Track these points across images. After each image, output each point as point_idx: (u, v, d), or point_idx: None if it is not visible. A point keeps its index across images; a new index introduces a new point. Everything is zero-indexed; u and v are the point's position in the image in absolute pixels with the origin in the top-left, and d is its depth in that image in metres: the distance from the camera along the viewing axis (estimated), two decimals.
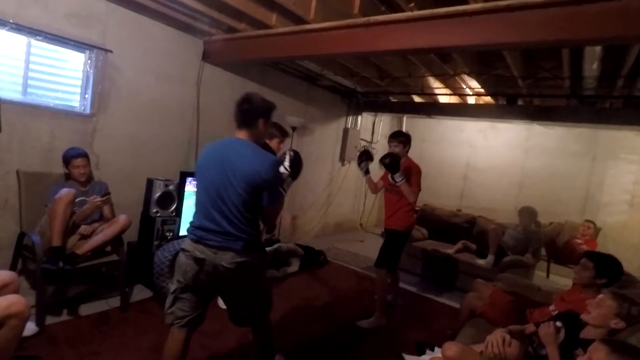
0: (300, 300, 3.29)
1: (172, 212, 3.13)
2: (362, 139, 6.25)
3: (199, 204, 1.70)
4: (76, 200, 2.46)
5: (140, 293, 2.95)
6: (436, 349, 2.37)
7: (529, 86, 4.12)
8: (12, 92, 2.56)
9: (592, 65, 3.08)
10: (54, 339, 2.21)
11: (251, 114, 1.69)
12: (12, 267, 2.51)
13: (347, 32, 2.64)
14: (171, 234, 3.09)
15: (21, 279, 2.42)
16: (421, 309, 3.49)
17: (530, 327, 2.01)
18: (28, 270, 2.62)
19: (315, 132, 5.28)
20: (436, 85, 4.73)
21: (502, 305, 2.40)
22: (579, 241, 4.48)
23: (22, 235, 2.52)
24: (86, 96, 2.90)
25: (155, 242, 2.99)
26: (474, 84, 4.41)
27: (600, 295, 1.76)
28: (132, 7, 2.96)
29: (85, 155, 2.65)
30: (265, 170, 1.59)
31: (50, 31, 2.59)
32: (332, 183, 5.85)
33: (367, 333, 2.87)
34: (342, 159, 5.91)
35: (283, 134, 2.80)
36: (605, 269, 2.10)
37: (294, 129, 4.34)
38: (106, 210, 2.72)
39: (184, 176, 3.21)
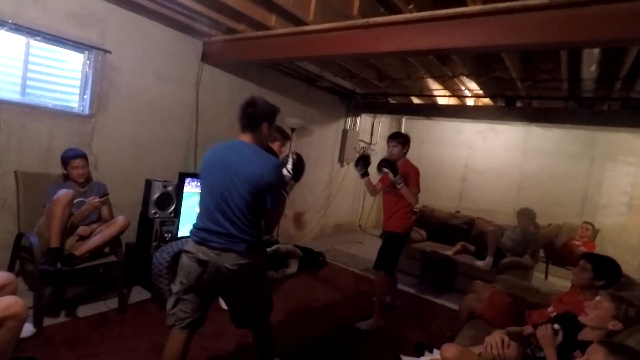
0: (299, 301, 3.29)
1: (170, 213, 3.13)
2: (361, 140, 6.25)
3: (203, 206, 1.72)
4: (74, 201, 2.45)
5: (138, 294, 2.94)
6: (435, 350, 2.36)
7: (527, 88, 4.13)
8: (11, 93, 2.56)
9: (590, 68, 3.09)
10: (52, 340, 2.20)
11: (255, 117, 1.71)
12: (10, 268, 2.50)
13: (346, 34, 2.64)
14: (170, 235, 3.08)
15: (19, 280, 2.42)
16: (420, 311, 3.49)
17: (528, 329, 2.02)
18: (26, 271, 2.61)
19: (315, 133, 5.28)
20: (435, 87, 4.74)
21: (501, 307, 2.40)
22: (577, 243, 4.49)
23: (20, 236, 2.51)
24: (85, 97, 2.90)
25: (154, 243, 2.99)
26: (473, 85, 4.42)
27: (598, 297, 1.76)
28: (131, 7, 2.96)
29: (83, 156, 2.65)
30: (268, 173, 1.61)
31: (49, 31, 2.58)
32: (331, 184, 5.85)
33: (366, 334, 2.87)
34: (341, 160, 5.91)
35: (284, 137, 2.81)
36: (604, 271, 2.10)
37: (293, 130, 4.34)
38: (104, 211, 2.71)
39: (182, 177, 3.20)
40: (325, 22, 2.77)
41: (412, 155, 3.16)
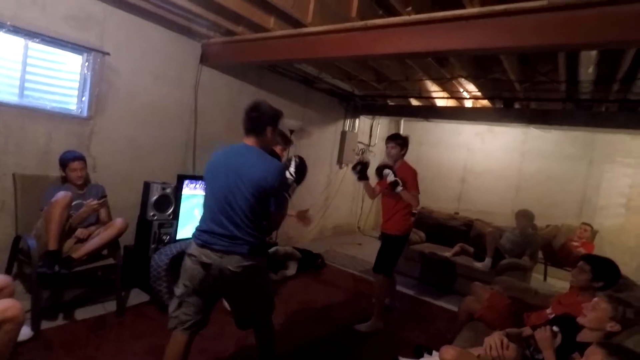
0: (298, 303, 3.28)
1: (169, 215, 3.12)
2: (359, 142, 6.26)
3: (207, 208, 1.74)
4: (73, 203, 2.45)
5: (136, 297, 2.93)
6: (434, 352, 2.36)
7: (525, 90, 4.15)
8: (9, 95, 2.56)
9: (587, 70, 3.10)
10: (50, 343, 2.19)
11: (259, 121, 1.73)
12: (7, 271, 2.48)
13: (344, 36, 2.65)
14: (168, 237, 3.08)
15: (16, 283, 2.41)
16: (419, 312, 3.49)
17: (527, 330, 2.02)
18: (24, 274, 2.60)
19: (313, 135, 5.28)
20: (433, 89, 4.75)
21: (500, 309, 2.40)
22: (576, 244, 4.50)
23: (17, 239, 2.50)
24: (83, 99, 2.90)
25: (152, 246, 2.98)
26: (471, 87, 4.43)
27: (595, 299, 1.76)
28: (130, 9, 2.96)
29: (82, 158, 2.64)
30: (272, 176, 1.64)
31: (47, 33, 2.58)
32: (330, 186, 5.85)
33: (365, 336, 2.87)
34: (340, 161, 5.92)
35: (286, 142, 2.82)
36: (602, 272, 2.11)
37: (292, 132, 4.34)
38: (103, 213, 2.71)
39: (181, 179, 3.19)
40: (324, 24, 2.77)
41: (410, 156, 3.16)
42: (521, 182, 5.77)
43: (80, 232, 2.55)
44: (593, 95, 3.92)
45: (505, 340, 1.73)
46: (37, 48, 2.64)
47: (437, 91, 4.76)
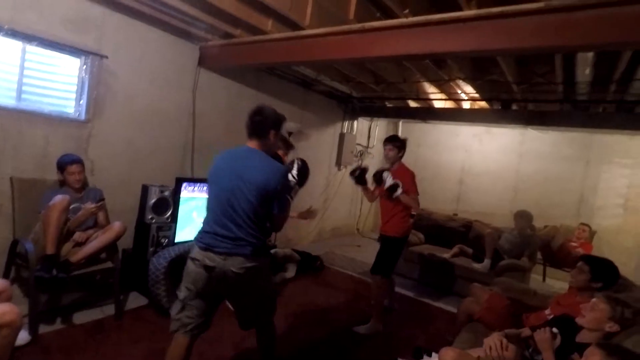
0: (297, 305, 3.28)
1: (167, 218, 3.12)
2: (358, 144, 6.26)
3: (210, 210, 1.76)
4: (71, 207, 2.44)
5: (135, 300, 2.92)
6: (433, 354, 2.36)
7: (523, 91, 4.16)
8: (7, 98, 2.55)
9: (584, 71, 3.11)
10: (48, 348, 2.18)
11: (263, 125, 1.76)
12: (5, 275, 2.47)
13: (342, 38, 2.65)
14: (167, 240, 3.07)
15: (14, 287, 2.40)
16: (418, 314, 3.48)
17: (526, 331, 2.02)
18: (21, 278, 2.59)
19: (312, 137, 5.28)
20: (431, 91, 4.76)
21: (498, 310, 2.40)
22: (574, 244, 4.51)
23: (15, 243, 2.49)
24: (81, 102, 2.89)
25: (151, 249, 2.97)
26: (469, 89, 4.44)
27: (594, 299, 1.77)
28: (128, 12, 2.96)
29: (80, 162, 2.64)
30: (275, 179, 1.67)
31: (45, 37, 2.58)
32: (329, 188, 5.85)
33: (364, 338, 2.86)
34: (339, 163, 5.92)
35: (287, 146, 2.83)
36: (601, 273, 2.11)
37: (290, 134, 4.34)
38: (101, 216, 2.70)
39: (179, 182, 3.19)
40: (322, 26, 2.78)
41: (409, 158, 3.17)
42: (519, 183, 5.79)
43: (78, 236, 2.54)
44: (590, 96, 3.94)
45: (505, 341, 1.73)
46: (35, 51, 2.63)
47: (435, 93, 4.78)
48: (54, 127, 2.74)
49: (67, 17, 2.68)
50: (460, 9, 2.33)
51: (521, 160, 5.80)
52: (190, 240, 3.03)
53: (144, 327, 2.58)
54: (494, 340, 1.76)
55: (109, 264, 2.61)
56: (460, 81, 4.18)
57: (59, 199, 2.32)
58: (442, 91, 4.69)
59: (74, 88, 2.88)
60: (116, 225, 2.57)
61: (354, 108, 5.93)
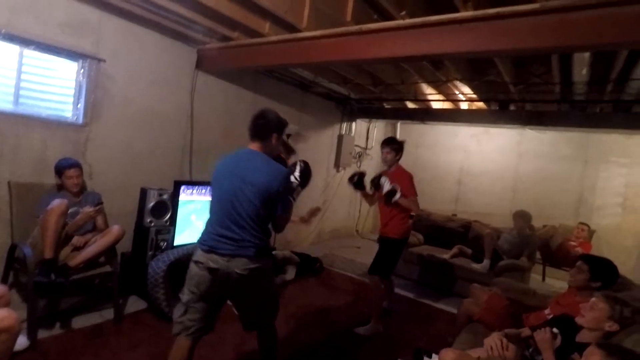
0: (297, 308, 3.27)
1: (166, 221, 3.11)
2: (356, 145, 6.27)
3: (213, 213, 1.78)
4: (69, 211, 2.43)
5: (134, 304, 2.91)
6: (434, 355, 2.35)
7: (520, 91, 4.17)
8: (4, 103, 2.54)
9: (581, 71, 3.12)
10: (46, 353, 2.17)
11: (266, 128, 1.80)
12: (3, 280, 2.47)
13: (339, 40, 2.66)
14: (165, 243, 3.06)
15: (12, 292, 2.39)
16: (418, 315, 3.48)
17: (526, 331, 2.02)
18: (20, 283, 2.58)
19: (310, 139, 5.28)
20: (429, 92, 4.77)
21: (498, 310, 2.40)
22: (573, 243, 4.51)
23: (13, 247, 2.48)
24: (79, 106, 2.89)
25: (150, 252, 2.96)
26: (467, 89, 4.45)
27: (593, 299, 1.77)
28: (125, 16, 2.96)
29: (78, 166, 2.63)
30: (277, 181, 1.70)
31: (43, 41, 2.58)
32: (328, 189, 5.85)
33: (364, 339, 2.86)
34: (337, 165, 5.92)
35: (288, 151, 2.84)
36: (600, 272, 2.11)
37: (288, 136, 4.35)
38: (99, 220, 2.69)
39: (178, 185, 3.18)
40: (319, 28, 2.78)
41: (407, 159, 3.17)
42: (518, 183, 5.80)
43: (76, 240, 2.53)
44: (587, 96, 3.95)
45: (505, 340, 1.74)
46: (32, 55, 2.63)
47: (433, 94, 4.78)
48: (52, 131, 2.74)
49: (64, 20, 2.68)
50: (457, 11, 2.33)
51: (520, 160, 5.82)
52: (190, 244, 3.05)
53: (143, 331, 2.57)
54: (494, 340, 1.77)
55: (107, 268, 2.60)
56: (458, 82, 4.18)
57: (57, 203, 2.31)
58: (439, 92, 4.70)
59: (72, 92, 2.88)
60: (115, 229, 2.57)
61: (352, 109, 5.94)
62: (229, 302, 1.86)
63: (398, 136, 6.67)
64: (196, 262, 1.71)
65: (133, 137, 3.21)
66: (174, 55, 3.40)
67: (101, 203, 2.69)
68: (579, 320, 1.76)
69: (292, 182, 1.90)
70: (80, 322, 2.55)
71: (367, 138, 6.59)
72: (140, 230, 3.03)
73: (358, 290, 3.91)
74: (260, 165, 1.72)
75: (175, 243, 3.12)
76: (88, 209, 2.54)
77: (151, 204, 3.01)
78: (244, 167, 1.72)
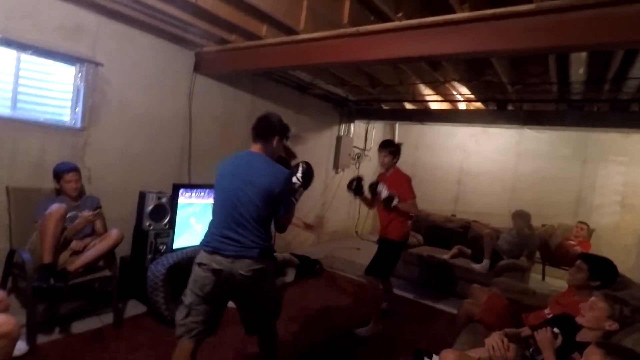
0: (298, 309, 3.26)
1: (165, 224, 3.10)
2: (355, 147, 6.27)
3: (216, 214, 1.79)
4: (67, 215, 2.42)
5: (134, 308, 2.90)
6: (434, 356, 2.35)
7: (518, 91, 4.18)
8: (1, 107, 2.54)
9: (578, 70, 3.13)
10: (46, 358, 2.16)
11: (268, 130, 1.83)
12: (2, 285, 2.45)
13: (337, 42, 2.67)
14: (165, 247, 3.05)
15: (11, 298, 2.38)
16: (418, 315, 3.48)
17: (526, 331, 2.02)
18: (18, 288, 2.57)
19: (309, 141, 5.28)
20: (427, 92, 4.78)
21: (498, 310, 2.40)
22: (572, 243, 4.52)
23: (12, 253, 2.47)
24: (77, 110, 2.89)
25: (149, 256, 2.96)
26: (464, 90, 4.46)
27: (592, 298, 1.77)
28: (122, 20, 2.96)
29: (76, 170, 2.63)
30: (279, 183, 1.72)
31: (40, 45, 2.58)
32: (327, 191, 5.84)
33: (364, 340, 2.86)
34: (336, 167, 5.92)
35: (290, 155, 2.84)
36: (599, 271, 2.11)
37: (287, 138, 4.35)
38: (98, 224, 2.69)
39: (176, 188, 3.18)
40: (316, 31, 2.79)
41: (406, 160, 3.18)
42: (517, 182, 5.80)
43: (75, 244, 2.53)
44: (585, 95, 3.96)
45: (505, 340, 1.74)
46: (30, 60, 2.63)
47: (431, 94, 4.79)
48: (50, 136, 2.73)
49: (61, 25, 2.68)
50: (454, 12, 2.34)
51: (518, 160, 5.83)
52: (189, 247, 3.04)
53: (143, 335, 2.56)
54: (494, 339, 1.76)
55: (106, 272, 2.59)
56: (456, 82, 4.19)
57: (56, 207, 2.31)
58: (437, 93, 4.70)
59: (69, 96, 2.88)
60: (114, 233, 2.56)
61: (350, 111, 5.94)
62: (231, 305, 1.85)
63: (397, 137, 6.69)
64: (200, 264, 1.72)
65: (131, 141, 3.21)
66: (171, 58, 3.40)
67: (100, 207, 2.69)
68: (579, 319, 1.76)
69: (294, 183, 1.91)
70: (79, 326, 2.54)
71: (366, 139, 6.59)
72: (139, 233, 3.03)
73: (358, 292, 3.90)
74: (262, 166, 1.74)
75: (175, 246, 3.12)
76: (87, 213, 2.53)
77: (150, 208, 3.00)
78: (246, 169, 1.73)
